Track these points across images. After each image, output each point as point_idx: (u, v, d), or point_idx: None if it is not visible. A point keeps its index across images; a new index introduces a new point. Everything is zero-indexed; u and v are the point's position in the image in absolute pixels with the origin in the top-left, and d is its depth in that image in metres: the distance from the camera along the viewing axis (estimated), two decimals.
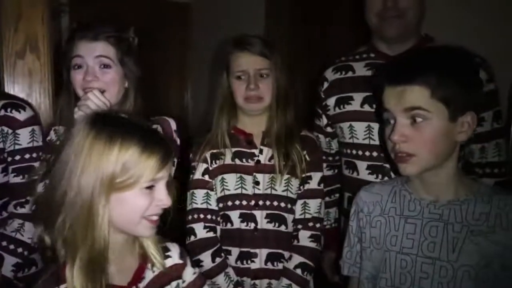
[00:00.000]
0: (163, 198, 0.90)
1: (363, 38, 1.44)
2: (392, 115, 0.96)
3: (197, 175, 1.37)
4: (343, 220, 1.51)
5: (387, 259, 1.02)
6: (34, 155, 1.32)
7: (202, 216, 1.35)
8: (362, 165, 1.34)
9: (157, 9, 2.64)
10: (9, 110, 1.29)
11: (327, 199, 1.49)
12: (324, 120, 1.48)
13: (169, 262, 1.01)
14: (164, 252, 1.00)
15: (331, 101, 1.42)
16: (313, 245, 1.33)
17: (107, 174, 0.84)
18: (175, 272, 1.02)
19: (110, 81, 1.22)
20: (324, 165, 1.47)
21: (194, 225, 1.35)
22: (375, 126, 1.30)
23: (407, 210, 1.02)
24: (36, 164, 1.31)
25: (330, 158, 1.53)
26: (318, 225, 1.34)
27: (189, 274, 1.04)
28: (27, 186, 1.28)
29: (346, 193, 1.46)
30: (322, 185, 1.37)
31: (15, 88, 1.47)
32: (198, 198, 1.35)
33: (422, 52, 1.11)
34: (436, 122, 0.92)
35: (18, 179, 1.31)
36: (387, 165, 1.29)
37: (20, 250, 1.29)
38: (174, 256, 1.02)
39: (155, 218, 0.92)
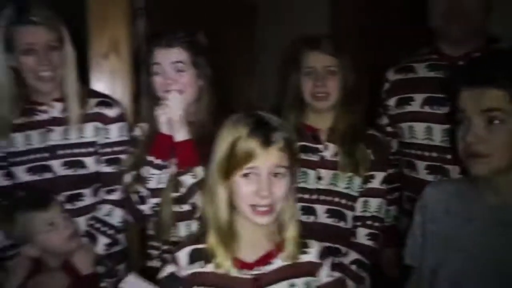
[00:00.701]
0: (260, 188, 0.96)
1: (424, 38, 1.50)
2: (467, 116, 0.97)
3: None
4: (402, 218, 1.59)
5: (448, 257, 1.08)
6: (122, 148, 1.50)
7: None
8: (421, 165, 1.42)
9: (225, 9, 2.76)
10: (101, 107, 1.49)
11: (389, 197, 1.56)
12: (385, 120, 1.56)
13: (304, 258, 1.06)
14: (302, 247, 1.06)
15: (392, 102, 1.51)
16: (370, 243, 1.39)
17: (219, 158, 1.00)
18: (308, 269, 1.06)
19: (187, 83, 1.37)
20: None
21: None
22: (435, 126, 1.38)
23: (472, 211, 1.05)
24: (124, 157, 1.49)
25: (391, 157, 1.58)
26: (377, 224, 1.39)
27: (325, 275, 1.07)
28: (116, 175, 1.48)
29: (405, 192, 1.54)
30: (384, 185, 1.41)
31: (99, 87, 1.66)
32: None
33: (502, 54, 1.13)
34: None
35: (108, 169, 1.50)
36: (447, 166, 1.35)
37: (110, 232, 1.49)
38: (312, 254, 1.07)
39: (262, 209, 0.98)
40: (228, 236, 1.02)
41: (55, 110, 1.48)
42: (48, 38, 1.38)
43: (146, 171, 1.39)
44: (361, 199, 1.39)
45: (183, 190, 1.36)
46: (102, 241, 1.48)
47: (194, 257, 1.04)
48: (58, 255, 1.38)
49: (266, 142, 0.97)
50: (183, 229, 1.42)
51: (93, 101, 1.50)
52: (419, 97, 1.42)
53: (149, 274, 1.33)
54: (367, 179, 1.39)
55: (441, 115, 1.38)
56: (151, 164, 1.37)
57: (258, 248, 1.04)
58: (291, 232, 1.03)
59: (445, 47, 1.42)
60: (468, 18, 1.34)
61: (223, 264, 1.01)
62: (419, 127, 1.41)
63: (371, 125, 1.56)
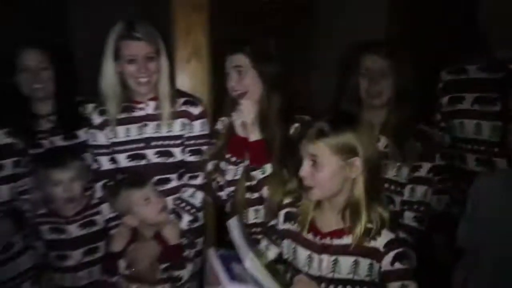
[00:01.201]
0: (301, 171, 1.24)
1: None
2: None
3: None
4: (454, 206, 1.76)
5: (494, 241, 1.24)
6: (203, 141, 1.78)
7: None
8: (470, 158, 1.59)
9: (281, 11, 2.96)
10: (187, 106, 1.77)
11: (440, 186, 1.73)
12: (438, 116, 1.74)
13: (372, 243, 1.23)
14: (374, 234, 1.22)
15: (445, 100, 1.69)
16: (415, 225, 1.57)
17: None
18: (373, 254, 1.23)
19: (248, 84, 1.63)
20: (438, 156, 1.70)
21: None
22: (484, 123, 1.54)
23: None
24: (205, 148, 1.77)
25: (444, 150, 1.75)
26: (422, 208, 1.57)
27: (388, 263, 1.22)
28: (198, 164, 1.77)
29: (456, 182, 1.70)
30: (431, 174, 1.57)
31: (183, 87, 1.91)
32: None
33: None
34: None
35: (192, 158, 1.78)
36: (495, 159, 1.51)
37: (192, 210, 1.78)
38: (380, 242, 1.23)
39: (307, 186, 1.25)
40: (311, 209, 1.31)
41: (150, 108, 1.76)
42: (147, 51, 1.66)
43: (224, 165, 1.67)
44: (409, 186, 1.57)
45: (254, 182, 1.63)
46: (186, 218, 1.77)
47: (288, 217, 1.38)
48: (151, 226, 1.69)
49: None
50: (252, 214, 1.70)
51: (180, 100, 1.77)
52: (469, 97, 1.59)
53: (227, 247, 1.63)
54: (415, 169, 1.56)
55: (489, 113, 1.54)
56: (228, 160, 1.67)
57: (333, 224, 1.28)
58: (364, 218, 1.23)
59: (495, 49, 1.57)
60: None
61: (304, 228, 1.31)
62: (469, 124, 1.59)
63: (426, 121, 1.74)
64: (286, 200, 1.43)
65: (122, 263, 1.69)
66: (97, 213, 1.85)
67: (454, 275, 1.44)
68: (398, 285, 1.20)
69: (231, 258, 1.24)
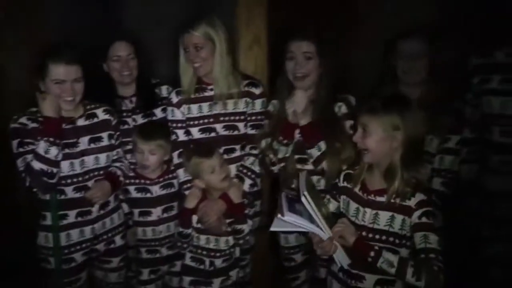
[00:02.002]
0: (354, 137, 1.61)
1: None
2: None
3: None
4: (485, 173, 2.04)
5: None
6: (263, 117, 2.11)
7: None
8: (496, 130, 1.89)
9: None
10: (250, 87, 2.11)
11: (470, 156, 2.04)
12: (469, 95, 2.03)
13: (407, 202, 1.53)
14: (410, 195, 1.53)
15: (475, 80, 1.98)
16: (443, 189, 1.88)
17: None
18: (406, 210, 1.53)
19: (311, 69, 1.94)
20: (468, 129, 2.02)
21: None
22: (509, 100, 1.81)
23: None
24: (264, 123, 2.11)
25: (474, 124, 2.04)
26: (449, 175, 1.86)
27: (416, 217, 1.52)
28: (258, 136, 2.10)
29: (484, 152, 2.00)
30: (458, 145, 1.88)
31: (246, 72, 2.25)
32: None
33: None
34: None
35: (253, 131, 2.11)
36: None
37: (253, 176, 2.12)
38: (413, 201, 1.52)
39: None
40: (364, 171, 1.65)
41: None
42: (196, 42, 1.99)
43: (276, 144, 1.99)
44: (438, 156, 1.89)
45: (311, 160, 1.94)
46: (247, 182, 2.11)
47: (346, 178, 1.73)
48: (216, 190, 2.04)
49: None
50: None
51: (244, 82, 2.10)
52: (496, 77, 1.87)
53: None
54: (444, 141, 1.86)
55: None
56: (280, 141, 1.98)
57: (378, 183, 1.61)
58: (397, 182, 1.54)
59: None
60: None
61: (356, 185, 1.66)
62: (496, 101, 1.87)
63: (460, 99, 2.04)
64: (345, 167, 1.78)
65: (194, 218, 2.05)
66: (174, 177, 2.23)
67: None
68: (421, 234, 1.50)
69: (296, 199, 1.62)
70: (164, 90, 2.38)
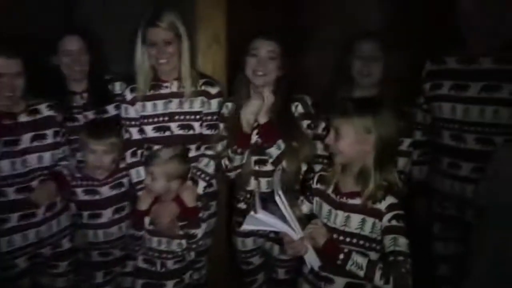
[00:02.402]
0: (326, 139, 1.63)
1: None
2: None
3: None
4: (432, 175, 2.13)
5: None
6: (219, 117, 2.09)
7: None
8: (446, 134, 1.98)
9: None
10: (206, 86, 2.09)
11: (420, 158, 2.14)
12: (422, 99, 2.11)
13: (378, 206, 1.55)
14: (381, 198, 1.55)
15: (427, 86, 2.06)
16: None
17: None
18: (377, 214, 1.55)
19: (273, 68, 1.94)
20: (420, 132, 2.13)
21: None
22: (458, 106, 1.91)
23: None
24: (220, 124, 2.08)
25: (425, 128, 2.13)
26: (402, 176, 1.89)
27: (386, 220, 1.54)
28: (213, 137, 2.07)
29: (434, 154, 2.10)
30: (410, 148, 1.98)
31: (204, 71, 2.22)
32: None
33: None
34: None
35: (208, 132, 2.09)
36: (465, 135, 1.92)
37: (207, 178, 2.09)
38: (384, 205, 1.54)
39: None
40: (338, 173, 1.67)
41: (174, 87, 2.08)
42: (165, 37, 1.97)
43: (231, 154, 1.95)
44: None
45: (271, 159, 1.93)
46: (201, 184, 2.07)
47: (319, 179, 1.75)
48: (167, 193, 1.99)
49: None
50: (264, 183, 2.01)
51: (201, 81, 2.09)
52: (447, 84, 1.96)
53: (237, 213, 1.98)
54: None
55: (463, 97, 1.92)
56: (235, 151, 1.93)
57: (350, 186, 1.63)
58: (371, 185, 1.56)
59: (470, 45, 1.93)
60: (486, 24, 1.83)
61: (329, 187, 1.68)
62: (446, 106, 1.96)
63: (411, 103, 2.13)
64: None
65: (146, 220, 2.01)
66: (125, 176, 2.18)
67: (473, 232, 1.75)
68: (391, 237, 1.52)
69: (269, 199, 1.63)
70: (117, 87, 2.33)
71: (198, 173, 2.08)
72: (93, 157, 2.09)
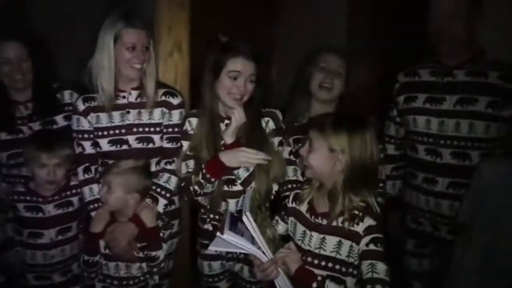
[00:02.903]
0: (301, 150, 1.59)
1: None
2: None
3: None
4: (406, 189, 2.09)
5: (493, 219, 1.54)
6: (181, 129, 1.93)
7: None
8: (421, 148, 1.94)
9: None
10: (167, 96, 1.96)
11: (394, 173, 2.10)
12: (395, 112, 2.08)
13: (355, 228, 1.45)
14: (358, 219, 1.46)
15: (401, 99, 2.02)
16: None
17: None
18: (354, 236, 1.46)
19: (250, 89, 1.79)
20: (393, 146, 2.09)
21: None
22: (432, 119, 1.89)
23: None
24: (183, 141, 1.91)
25: (398, 142, 2.11)
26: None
27: (364, 244, 1.44)
28: (175, 150, 1.93)
29: (408, 168, 2.06)
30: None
31: (166, 80, 2.11)
32: None
33: None
34: None
35: (169, 145, 1.96)
36: (440, 149, 1.88)
37: (168, 195, 1.95)
38: (361, 227, 1.45)
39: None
40: (313, 191, 1.59)
41: (132, 97, 1.95)
42: (145, 41, 1.85)
43: (203, 181, 1.76)
44: None
45: (239, 180, 1.80)
46: (162, 202, 1.94)
47: (294, 198, 1.66)
48: (126, 211, 1.85)
49: None
50: (233, 204, 1.88)
51: (161, 91, 1.96)
52: (421, 96, 1.94)
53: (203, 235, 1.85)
54: None
55: (437, 110, 1.89)
56: (206, 179, 1.75)
57: (325, 206, 1.54)
58: (339, 206, 1.48)
59: (442, 58, 1.92)
60: (455, 37, 1.83)
61: (304, 207, 1.60)
62: (421, 119, 1.93)
63: (385, 117, 2.08)
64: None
65: (101, 243, 1.85)
66: (74, 194, 2.03)
67: (454, 250, 1.72)
68: (369, 262, 1.43)
69: (240, 218, 1.52)
70: (67, 96, 2.16)
71: (158, 189, 1.94)
72: (45, 172, 1.93)
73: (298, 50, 2.95)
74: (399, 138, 2.10)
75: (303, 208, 1.62)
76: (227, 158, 1.73)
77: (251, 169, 1.77)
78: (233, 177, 1.83)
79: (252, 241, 1.50)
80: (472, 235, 1.60)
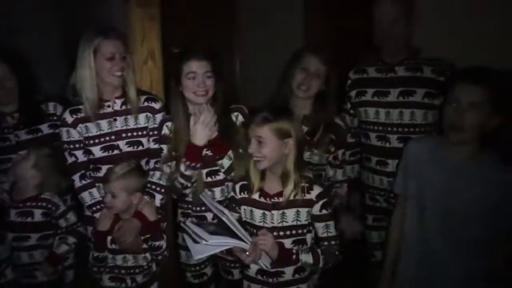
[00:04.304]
0: (250, 149, 1.88)
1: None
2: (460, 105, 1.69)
3: None
4: (363, 171, 2.51)
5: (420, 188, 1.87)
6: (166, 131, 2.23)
7: None
8: (372, 135, 2.37)
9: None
10: (149, 102, 2.25)
11: (351, 158, 2.50)
12: (348, 105, 2.49)
13: (307, 196, 1.85)
14: (308, 189, 1.85)
15: (353, 93, 2.44)
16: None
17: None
18: (308, 204, 1.86)
19: (210, 85, 2.12)
20: (349, 135, 2.47)
21: None
22: (381, 110, 2.31)
23: (443, 163, 1.79)
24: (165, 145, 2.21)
25: (353, 131, 2.50)
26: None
27: (317, 210, 1.86)
28: (161, 150, 2.22)
29: (363, 154, 2.49)
30: (344, 156, 2.39)
31: (142, 87, 2.37)
32: None
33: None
34: None
35: (156, 146, 2.25)
36: (388, 135, 2.31)
37: (162, 190, 2.23)
38: (312, 195, 1.86)
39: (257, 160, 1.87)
40: (258, 178, 1.92)
41: (117, 105, 2.21)
42: (122, 50, 2.11)
43: (187, 170, 2.08)
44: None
45: (223, 170, 2.13)
46: (158, 197, 2.23)
47: (242, 189, 1.98)
48: (128, 210, 2.14)
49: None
50: (219, 193, 2.21)
51: (142, 97, 2.24)
52: (370, 91, 2.35)
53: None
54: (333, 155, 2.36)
55: (384, 102, 2.31)
56: (188, 166, 2.06)
57: (276, 187, 1.91)
58: (292, 182, 1.85)
59: (385, 57, 2.34)
60: (396, 39, 2.24)
61: (255, 193, 1.93)
62: (371, 111, 2.35)
63: (340, 109, 2.47)
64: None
65: (108, 240, 2.13)
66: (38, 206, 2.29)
67: (392, 217, 2.09)
68: (323, 225, 1.89)
69: (201, 223, 1.90)
70: (51, 107, 2.44)
71: (153, 186, 2.24)
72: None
73: (257, 49, 3.37)
74: (353, 128, 2.50)
75: (255, 195, 1.94)
76: (198, 139, 2.05)
77: (232, 158, 2.11)
78: (215, 167, 2.17)
79: (232, 234, 1.76)
80: (405, 204, 1.98)
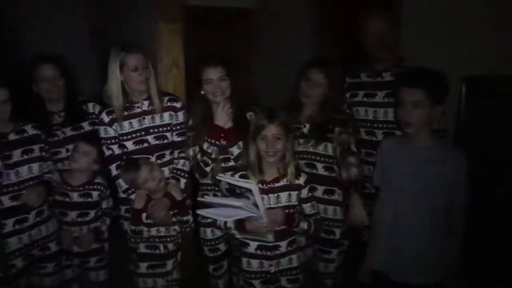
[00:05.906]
0: (272, 147, 2.36)
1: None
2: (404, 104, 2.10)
3: None
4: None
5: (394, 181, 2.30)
6: (185, 125, 2.75)
7: None
8: (362, 130, 2.85)
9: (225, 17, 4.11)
10: (172, 102, 2.72)
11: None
12: (345, 106, 2.97)
13: (297, 181, 2.38)
14: (297, 176, 2.38)
15: (348, 95, 2.93)
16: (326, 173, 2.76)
17: (251, 131, 2.43)
18: (297, 188, 2.38)
19: (226, 87, 2.65)
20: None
21: None
22: (369, 109, 2.80)
23: (406, 152, 2.21)
24: (188, 131, 2.77)
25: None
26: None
27: (305, 193, 2.43)
28: (184, 142, 2.77)
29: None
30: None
31: (167, 90, 2.89)
32: None
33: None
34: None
35: (179, 139, 2.75)
36: (376, 131, 2.78)
37: (186, 175, 2.76)
38: (302, 180, 2.39)
39: (270, 154, 2.34)
40: (257, 168, 2.40)
41: (145, 106, 2.67)
42: (144, 62, 2.57)
43: (207, 147, 2.64)
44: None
45: (232, 156, 2.67)
46: (183, 181, 2.75)
47: (243, 178, 2.40)
48: (156, 192, 2.65)
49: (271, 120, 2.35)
50: (229, 176, 2.55)
51: (166, 98, 2.73)
52: (361, 93, 2.84)
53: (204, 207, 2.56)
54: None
55: (372, 102, 2.79)
56: (210, 143, 2.63)
57: (273, 174, 2.41)
58: (291, 168, 2.39)
59: (374, 63, 2.83)
60: (384, 48, 2.71)
61: (254, 181, 2.35)
62: (361, 109, 2.84)
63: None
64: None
65: (143, 216, 2.63)
66: (95, 188, 2.81)
67: (374, 207, 2.46)
68: (310, 204, 2.47)
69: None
70: (90, 107, 2.97)
71: (178, 172, 2.76)
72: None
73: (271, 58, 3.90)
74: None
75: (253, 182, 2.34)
76: (220, 121, 2.61)
77: (241, 147, 2.61)
78: (227, 155, 2.69)
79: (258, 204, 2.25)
80: (382, 194, 2.39)
